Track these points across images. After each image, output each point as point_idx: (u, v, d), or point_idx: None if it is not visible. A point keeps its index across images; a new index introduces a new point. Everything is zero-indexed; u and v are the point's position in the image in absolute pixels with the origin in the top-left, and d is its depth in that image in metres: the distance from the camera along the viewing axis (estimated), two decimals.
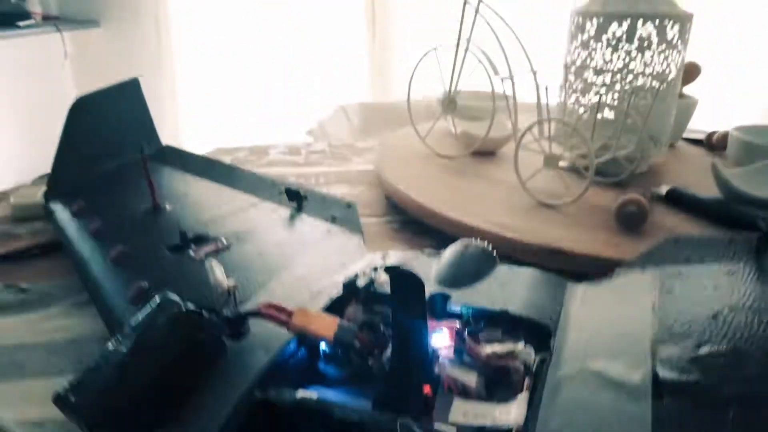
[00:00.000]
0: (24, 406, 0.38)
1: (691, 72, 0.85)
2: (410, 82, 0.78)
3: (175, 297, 0.33)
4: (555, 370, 0.32)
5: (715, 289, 0.39)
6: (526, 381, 0.32)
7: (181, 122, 2.44)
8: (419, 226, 0.64)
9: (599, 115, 0.67)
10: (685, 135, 0.88)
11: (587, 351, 0.33)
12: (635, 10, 0.63)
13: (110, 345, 0.31)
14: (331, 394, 0.34)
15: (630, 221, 0.55)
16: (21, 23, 2.20)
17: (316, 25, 2.16)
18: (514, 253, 0.55)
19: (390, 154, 0.79)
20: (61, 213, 0.58)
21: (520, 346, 0.34)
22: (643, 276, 0.40)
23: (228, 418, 0.30)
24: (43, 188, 0.68)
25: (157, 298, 0.33)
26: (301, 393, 0.30)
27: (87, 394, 0.30)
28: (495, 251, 0.44)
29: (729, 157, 0.71)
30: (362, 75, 2.01)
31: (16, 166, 2.32)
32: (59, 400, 0.30)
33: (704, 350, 0.32)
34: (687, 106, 0.83)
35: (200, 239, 0.49)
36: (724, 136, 0.78)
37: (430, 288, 0.39)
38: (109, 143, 0.68)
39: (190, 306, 0.32)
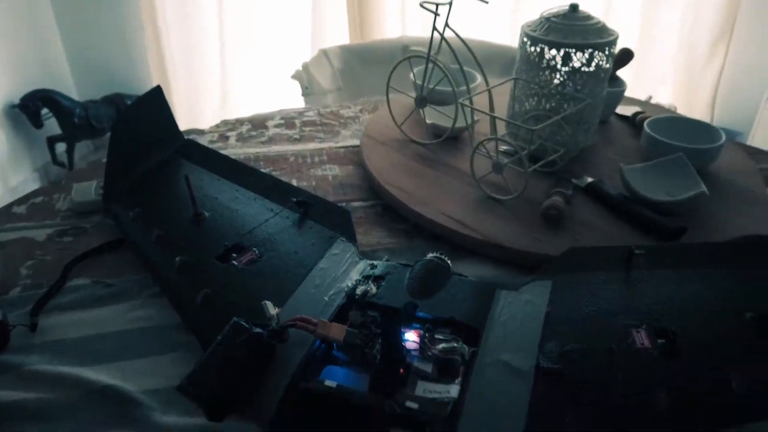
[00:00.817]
0: (139, 379, 0.58)
1: (624, 57, 1.01)
2: (388, 83, 0.93)
3: (243, 322, 0.52)
4: (480, 360, 0.53)
5: (589, 296, 0.59)
6: (462, 368, 0.53)
7: (163, 43, 2.48)
8: (396, 212, 0.83)
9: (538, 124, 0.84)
10: (618, 110, 1.05)
11: (500, 346, 0.54)
12: (569, 40, 0.78)
13: (205, 355, 0.51)
14: (342, 373, 0.55)
15: (552, 221, 0.74)
16: None
17: None
18: (467, 244, 0.74)
19: (374, 143, 0.96)
20: (123, 217, 0.75)
21: (460, 343, 0.54)
22: (544, 285, 0.60)
23: (282, 396, 0.51)
24: (94, 182, 0.84)
25: (232, 321, 0.52)
26: (326, 382, 0.51)
27: (198, 385, 0.50)
28: (450, 262, 0.63)
29: (642, 147, 0.89)
30: (342, 19, 2.07)
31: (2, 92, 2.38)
32: (182, 389, 0.50)
33: (569, 346, 0.53)
34: (617, 93, 1.00)
35: (239, 248, 0.68)
36: (644, 119, 0.95)
37: (404, 297, 0.59)
38: (145, 145, 0.84)
39: (255, 329, 0.52)
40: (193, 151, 0.88)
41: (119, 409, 0.54)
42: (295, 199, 0.74)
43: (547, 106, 0.85)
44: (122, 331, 0.64)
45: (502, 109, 0.92)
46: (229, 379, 0.50)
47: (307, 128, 1.09)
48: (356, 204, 0.86)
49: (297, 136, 1.06)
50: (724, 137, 0.86)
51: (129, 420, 0.53)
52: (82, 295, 0.68)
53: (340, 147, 1.02)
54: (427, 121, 0.94)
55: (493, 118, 0.81)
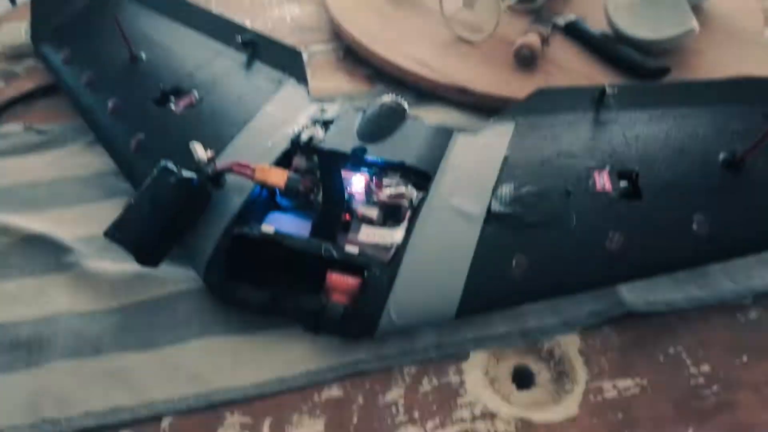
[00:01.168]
0: (73, 227, 0.55)
1: None
2: None
3: (172, 166, 0.48)
4: (427, 204, 0.49)
5: (553, 138, 0.55)
6: (408, 213, 0.49)
7: None
8: (358, 56, 0.76)
9: None
10: None
11: (451, 190, 0.50)
12: None
13: (132, 200, 0.47)
14: (286, 220, 0.52)
15: (525, 62, 0.68)
16: None
17: None
18: (431, 89, 0.68)
19: None
20: (53, 59, 0.68)
21: (409, 188, 0.51)
22: (506, 127, 0.56)
23: (218, 241, 0.48)
24: (25, 24, 0.76)
25: (160, 165, 0.48)
26: (264, 227, 0.48)
27: (126, 230, 0.47)
28: (406, 105, 0.58)
29: None
30: None
31: None
32: (108, 234, 0.47)
33: (524, 190, 0.50)
34: None
35: (177, 92, 0.62)
36: None
37: (354, 142, 0.54)
38: None
39: (185, 173, 0.48)
40: None
41: (51, 256, 0.52)
42: (241, 39, 0.66)
43: None
44: (56, 178, 0.60)
45: None
46: (157, 224, 0.47)
47: None
48: (316, 47, 0.78)
49: None
50: None
51: (61, 266, 0.51)
52: (14, 143, 0.63)
53: None
54: None
55: None
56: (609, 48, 0.70)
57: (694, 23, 0.67)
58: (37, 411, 0.42)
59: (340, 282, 0.44)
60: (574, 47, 0.72)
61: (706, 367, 0.44)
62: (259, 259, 0.48)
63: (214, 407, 0.43)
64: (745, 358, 0.45)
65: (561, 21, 0.75)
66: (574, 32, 0.73)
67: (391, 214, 0.50)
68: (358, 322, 0.44)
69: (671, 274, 0.47)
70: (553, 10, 0.77)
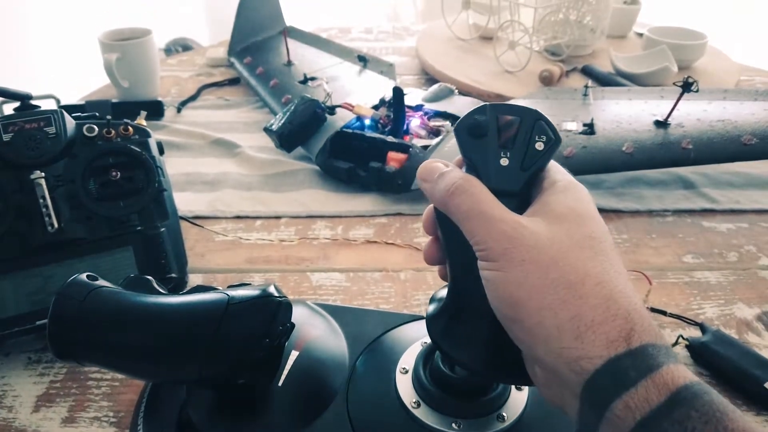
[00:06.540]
0: (241, 138, 0.90)
1: None
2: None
3: (308, 97, 0.82)
4: None
5: (550, 108, 0.83)
6: (443, 134, 0.79)
7: None
8: (435, 81, 1.10)
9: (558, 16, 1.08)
10: (638, 29, 1.26)
11: None
12: None
13: (286, 113, 0.81)
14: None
15: (545, 81, 0.98)
16: None
17: None
18: (479, 96, 1.00)
19: (428, 37, 1.23)
20: (239, 63, 1.08)
21: (447, 122, 0.81)
22: (524, 101, 0.85)
23: (327, 140, 0.79)
24: (222, 48, 1.18)
25: (303, 97, 0.82)
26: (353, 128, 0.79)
27: (274, 128, 0.80)
28: (455, 88, 0.90)
29: (644, 45, 1.10)
30: None
31: None
32: (265, 129, 0.80)
33: None
34: (632, 10, 1.20)
35: (312, 79, 0.98)
36: None
37: (419, 100, 0.86)
38: (256, 22, 1.16)
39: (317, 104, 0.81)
40: (291, 32, 1.19)
41: (228, 148, 0.86)
42: (357, 54, 1.03)
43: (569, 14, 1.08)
44: (233, 121, 0.96)
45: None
46: (293, 127, 0.80)
47: (382, 34, 1.38)
48: (407, 77, 1.14)
49: (372, 39, 1.35)
50: (707, 39, 1.05)
51: (232, 153, 0.85)
52: (211, 103, 1.01)
53: (404, 46, 1.30)
54: (471, 22, 1.20)
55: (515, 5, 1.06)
56: (610, 81, 0.99)
57: (669, 64, 0.96)
58: (213, 207, 0.74)
59: (395, 156, 0.74)
60: (584, 80, 1.02)
61: (625, 236, 0.68)
62: (348, 149, 0.79)
63: (311, 217, 0.73)
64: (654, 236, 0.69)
65: (579, 64, 1.05)
66: (588, 72, 1.04)
67: (434, 134, 0.80)
68: (403, 178, 0.73)
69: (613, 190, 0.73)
70: (574, 60, 1.08)
